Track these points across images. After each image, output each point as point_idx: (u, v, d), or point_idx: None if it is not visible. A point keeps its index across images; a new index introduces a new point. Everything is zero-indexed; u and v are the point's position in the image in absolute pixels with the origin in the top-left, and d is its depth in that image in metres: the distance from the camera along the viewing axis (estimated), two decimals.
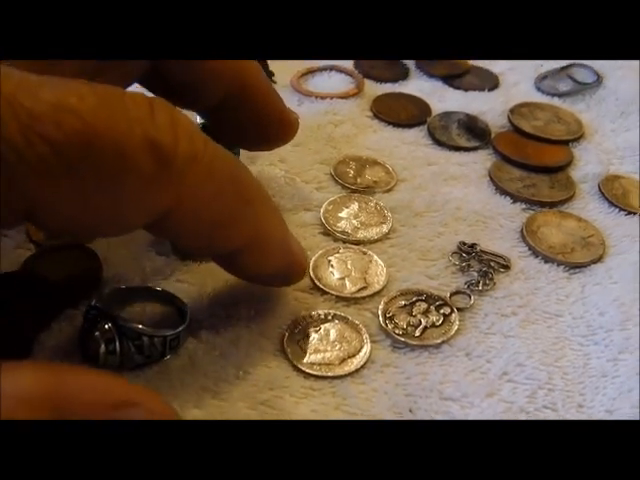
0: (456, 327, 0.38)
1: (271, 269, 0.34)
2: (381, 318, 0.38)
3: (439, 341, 0.37)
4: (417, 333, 0.37)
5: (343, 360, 0.36)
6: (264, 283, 0.38)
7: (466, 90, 0.58)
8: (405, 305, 0.39)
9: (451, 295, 0.40)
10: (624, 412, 0.34)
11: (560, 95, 0.57)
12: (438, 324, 0.38)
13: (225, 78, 0.37)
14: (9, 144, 0.24)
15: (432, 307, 0.39)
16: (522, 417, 0.34)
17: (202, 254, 0.38)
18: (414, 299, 0.39)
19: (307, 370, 0.36)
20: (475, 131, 0.52)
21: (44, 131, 0.24)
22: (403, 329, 0.37)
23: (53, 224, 0.28)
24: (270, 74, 0.55)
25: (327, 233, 0.43)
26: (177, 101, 0.37)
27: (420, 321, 0.38)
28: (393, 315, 0.38)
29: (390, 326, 0.37)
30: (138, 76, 0.37)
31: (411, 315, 0.38)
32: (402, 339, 0.37)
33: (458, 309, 0.39)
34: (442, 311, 0.39)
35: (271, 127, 0.41)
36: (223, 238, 0.32)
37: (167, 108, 0.28)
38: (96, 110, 0.26)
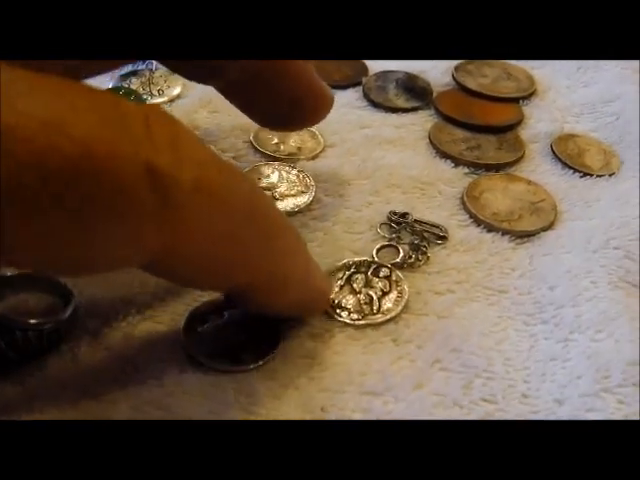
0: (407, 285, 0.34)
1: (288, 306, 0.30)
2: (331, 312, 0.33)
3: (400, 308, 0.33)
4: (375, 309, 0.33)
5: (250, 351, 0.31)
6: (280, 316, 0.32)
7: None
8: (343, 286, 0.34)
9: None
10: (574, 402, 0.29)
11: None
12: (387, 290, 0.33)
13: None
14: None
15: (370, 275, 0.34)
16: (456, 412, 0.29)
17: (204, 290, 0.32)
18: (346, 274, 0.34)
19: (206, 363, 0.30)
20: (415, 91, 0.47)
21: (31, 157, 0.19)
22: (359, 312, 0.33)
23: (27, 262, 0.23)
24: None
25: None
26: (193, 75, 0.34)
27: (369, 295, 0.33)
28: (339, 302, 0.33)
29: (344, 315, 0.32)
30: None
31: (356, 293, 0.33)
32: (363, 322, 0.32)
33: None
34: (382, 274, 0.34)
35: (300, 105, 0.35)
36: (233, 277, 0.27)
37: (166, 122, 0.22)
38: (95, 129, 0.20)
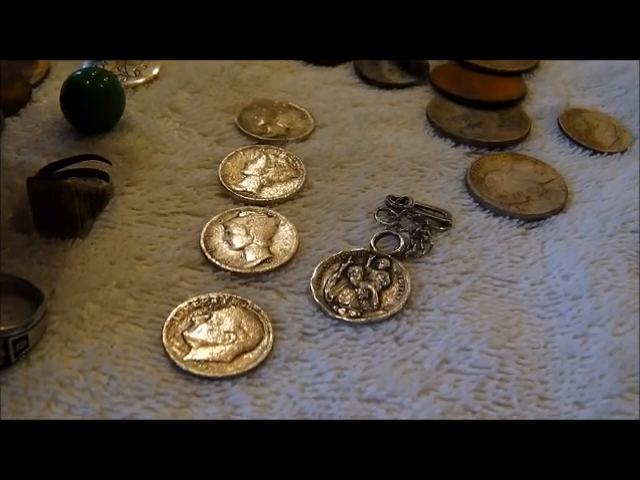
0: (408, 277, 0.31)
1: None
2: (326, 309, 0.30)
3: (402, 303, 0.30)
4: (374, 304, 0.30)
5: (237, 356, 0.28)
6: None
7: None
8: (339, 279, 0.31)
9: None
10: (597, 404, 0.26)
11: None
12: (387, 283, 0.31)
13: None
14: None
15: (368, 267, 0.32)
16: (468, 418, 0.26)
17: None
18: (342, 267, 0.32)
19: (190, 370, 0.28)
20: (410, 65, 0.44)
21: None
22: (357, 308, 0.30)
23: None
24: None
25: (226, 194, 0.35)
26: None
27: (368, 289, 0.31)
28: (335, 297, 0.30)
29: (341, 312, 0.30)
30: None
31: (354, 287, 0.31)
32: (361, 319, 0.30)
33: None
34: (381, 266, 0.32)
35: None
36: None
37: None
38: None
